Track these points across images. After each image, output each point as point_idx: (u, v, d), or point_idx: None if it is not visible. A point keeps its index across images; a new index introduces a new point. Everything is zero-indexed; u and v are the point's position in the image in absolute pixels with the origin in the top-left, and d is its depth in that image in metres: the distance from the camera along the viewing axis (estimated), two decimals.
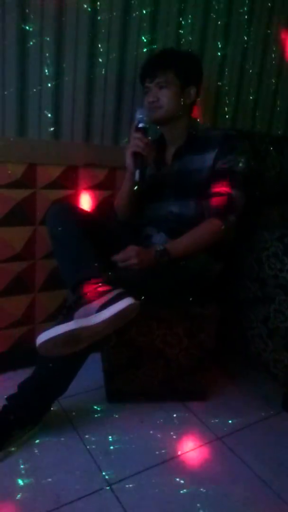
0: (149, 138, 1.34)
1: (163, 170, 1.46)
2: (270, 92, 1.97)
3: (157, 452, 1.25)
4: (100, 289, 1.10)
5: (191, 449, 1.28)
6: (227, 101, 1.84)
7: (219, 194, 1.34)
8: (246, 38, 1.79)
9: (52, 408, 1.29)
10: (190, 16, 1.62)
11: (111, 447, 1.25)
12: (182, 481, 1.15)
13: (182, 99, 1.38)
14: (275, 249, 1.41)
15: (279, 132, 2.06)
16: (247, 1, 1.74)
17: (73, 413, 1.38)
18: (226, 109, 1.85)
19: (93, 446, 1.25)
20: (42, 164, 1.47)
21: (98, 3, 1.42)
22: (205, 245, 1.34)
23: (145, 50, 1.55)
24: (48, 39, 1.37)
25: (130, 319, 1.12)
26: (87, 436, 1.29)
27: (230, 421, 1.41)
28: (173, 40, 1.61)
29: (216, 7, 1.67)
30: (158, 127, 1.50)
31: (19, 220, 1.48)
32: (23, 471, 1.14)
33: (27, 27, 1.32)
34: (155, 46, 1.57)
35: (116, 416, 1.39)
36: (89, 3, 1.41)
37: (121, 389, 1.44)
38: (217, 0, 1.66)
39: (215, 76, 1.77)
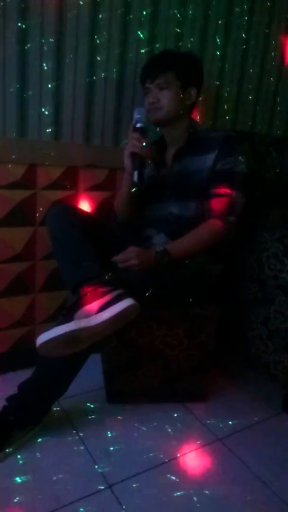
0: (147, 138, 1.33)
1: (163, 171, 1.46)
2: (270, 93, 1.97)
3: (157, 453, 1.25)
4: (100, 290, 1.10)
5: (191, 450, 1.27)
6: (227, 102, 1.84)
7: (219, 195, 1.34)
8: (245, 38, 1.79)
9: (52, 409, 1.29)
10: (190, 17, 1.62)
11: (111, 448, 1.25)
12: (182, 482, 1.15)
13: (182, 100, 1.38)
14: (275, 250, 1.41)
15: (278, 132, 2.06)
16: (247, 1, 1.74)
17: (73, 414, 1.38)
18: (226, 110, 1.85)
19: (93, 447, 1.25)
20: (42, 164, 1.47)
21: (99, 3, 1.42)
22: (205, 246, 1.34)
23: (145, 51, 1.56)
24: (48, 39, 1.37)
25: (130, 320, 1.12)
26: (87, 437, 1.29)
27: (230, 422, 1.41)
28: (173, 41, 1.61)
29: (216, 7, 1.67)
30: (158, 129, 1.51)
31: (19, 221, 1.48)
32: (23, 472, 1.14)
33: (27, 28, 1.32)
34: (157, 45, 1.57)
35: (116, 417, 1.39)
36: (90, 3, 1.41)
37: (121, 390, 1.44)
38: (217, 0, 1.66)
39: (215, 76, 1.77)
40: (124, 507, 1.06)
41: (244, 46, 1.80)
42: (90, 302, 1.08)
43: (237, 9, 1.72)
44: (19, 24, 1.31)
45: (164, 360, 1.42)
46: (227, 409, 1.48)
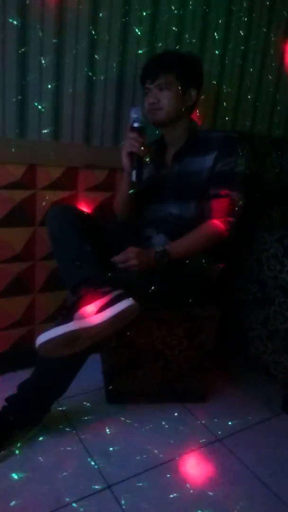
0: (145, 137, 1.33)
1: (163, 172, 1.46)
2: (270, 93, 1.97)
3: (156, 453, 1.25)
4: (99, 290, 1.10)
5: (191, 451, 1.27)
6: (227, 103, 1.84)
7: (219, 196, 1.34)
8: (245, 38, 1.80)
9: (52, 409, 1.29)
10: (190, 17, 1.62)
11: (111, 448, 1.25)
12: (181, 482, 1.15)
13: (182, 101, 1.38)
14: (274, 250, 1.41)
15: (277, 132, 2.06)
16: (246, 1, 1.74)
17: (73, 414, 1.38)
18: (225, 110, 1.85)
19: (93, 447, 1.25)
20: (42, 165, 1.47)
21: (99, 3, 1.42)
22: (205, 247, 1.34)
23: (145, 51, 1.56)
24: (48, 39, 1.37)
25: (130, 320, 1.12)
26: (86, 437, 1.29)
27: (229, 423, 1.41)
28: (173, 41, 1.61)
29: (216, 7, 1.67)
30: (157, 132, 1.51)
31: (19, 221, 1.48)
32: (22, 472, 1.14)
33: (27, 28, 1.33)
34: (157, 45, 1.57)
35: (116, 417, 1.39)
36: (89, 4, 1.41)
37: (120, 390, 1.44)
38: (217, 0, 1.66)
39: (215, 77, 1.77)
40: (123, 507, 1.06)
41: (244, 47, 1.80)
42: (89, 303, 1.08)
43: (236, 9, 1.72)
44: (19, 24, 1.31)
45: (163, 361, 1.42)
46: (227, 410, 1.48)
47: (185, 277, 1.33)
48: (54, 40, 1.38)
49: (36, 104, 1.40)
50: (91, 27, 1.43)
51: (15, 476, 1.12)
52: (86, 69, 1.46)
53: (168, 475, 1.17)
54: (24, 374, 1.26)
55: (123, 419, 1.38)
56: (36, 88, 1.39)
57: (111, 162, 1.57)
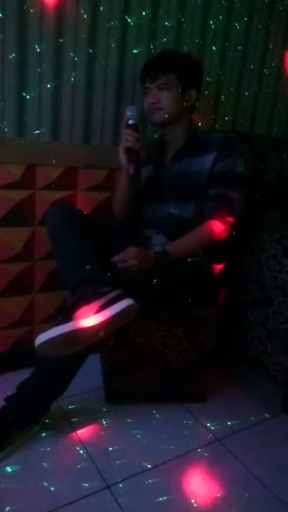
0: (140, 134, 1.34)
1: (163, 172, 1.46)
2: (270, 94, 1.97)
3: (155, 454, 1.25)
4: (99, 290, 1.10)
5: (190, 451, 1.27)
6: (227, 103, 1.84)
7: (218, 196, 1.34)
8: (245, 38, 1.80)
9: (51, 409, 1.28)
10: (189, 17, 1.62)
11: (110, 448, 1.25)
12: (181, 483, 1.15)
13: (182, 101, 1.38)
14: (274, 250, 1.41)
15: (274, 130, 2.06)
16: (246, 1, 1.75)
17: (72, 414, 1.38)
18: (225, 111, 1.85)
19: (92, 447, 1.25)
20: (41, 164, 1.47)
21: (98, 4, 1.42)
22: (204, 247, 1.34)
23: (144, 51, 1.56)
24: (47, 40, 1.37)
25: (129, 320, 1.12)
26: (86, 437, 1.29)
27: (229, 423, 1.41)
28: (173, 41, 1.61)
29: (216, 8, 1.67)
30: (156, 134, 1.51)
31: (19, 221, 1.48)
32: (21, 472, 1.14)
33: (27, 28, 1.33)
34: (157, 46, 1.57)
35: (115, 417, 1.39)
36: (89, 4, 1.41)
37: (120, 390, 1.44)
38: (216, 1, 1.66)
39: (214, 77, 1.77)
40: (122, 507, 1.06)
41: (243, 47, 1.81)
42: (89, 303, 1.08)
43: (236, 8, 1.73)
44: (19, 25, 1.31)
45: (163, 361, 1.42)
46: (226, 410, 1.48)
47: (184, 277, 1.33)
48: (53, 40, 1.38)
49: (35, 104, 1.40)
50: (90, 27, 1.43)
51: (14, 476, 1.12)
52: (85, 69, 1.46)
53: (167, 475, 1.17)
54: (23, 374, 1.26)
55: (122, 419, 1.38)
56: (36, 88, 1.39)
57: (111, 162, 1.57)
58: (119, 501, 1.08)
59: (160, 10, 1.55)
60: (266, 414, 1.47)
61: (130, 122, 1.34)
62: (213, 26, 1.69)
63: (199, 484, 1.15)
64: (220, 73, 1.78)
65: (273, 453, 1.29)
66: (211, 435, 1.35)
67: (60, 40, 1.39)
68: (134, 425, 1.36)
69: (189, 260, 1.33)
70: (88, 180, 1.59)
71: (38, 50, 1.36)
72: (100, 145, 1.58)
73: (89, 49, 1.45)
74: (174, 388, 1.47)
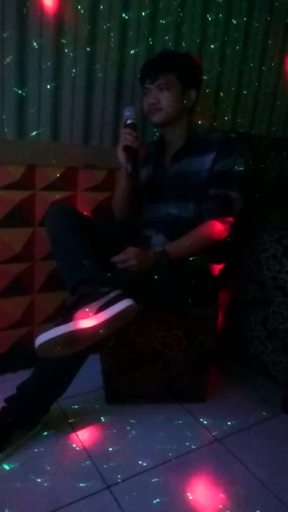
0: (138, 132, 1.35)
1: (162, 172, 1.47)
2: (269, 93, 1.97)
3: (155, 454, 1.25)
4: (99, 290, 1.10)
5: (189, 451, 1.27)
6: (226, 103, 1.84)
7: (218, 196, 1.34)
8: (244, 38, 1.80)
9: (51, 409, 1.28)
10: (189, 17, 1.62)
11: (110, 449, 1.25)
12: (181, 483, 1.15)
13: (182, 102, 1.38)
14: (274, 250, 1.41)
15: (273, 128, 2.06)
16: (246, 1, 1.75)
17: (72, 414, 1.38)
18: (225, 111, 1.85)
19: (92, 448, 1.25)
20: (41, 165, 1.47)
21: (97, 4, 1.42)
22: (204, 247, 1.34)
23: (144, 51, 1.56)
24: (47, 40, 1.37)
25: (129, 321, 1.12)
26: (86, 438, 1.29)
27: (229, 423, 1.41)
28: (173, 41, 1.61)
29: (215, 8, 1.67)
30: (156, 136, 1.51)
31: (18, 221, 1.48)
32: (22, 473, 1.14)
33: (26, 28, 1.33)
34: (156, 46, 1.57)
35: (115, 417, 1.39)
36: (88, 4, 1.41)
37: (120, 390, 1.44)
38: (216, 1, 1.66)
39: (214, 77, 1.77)
40: (122, 508, 1.06)
41: (243, 47, 1.81)
42: (89, 303, 1.08)
43: (235, 8, 1.73)
44: (19, 25, 1.31)
45: (163, 361, 1.42)
46: (226, 410, 1.48)
47: (184, 277, 1.33)
48: (53, 41, 1.38)
49: (35, 104, 1.40)
50: (89, 28, 1.43)
51: (14, 477, 1.12)
52: (85, 69, 1.46)
53: (167, 476, 1.17)
54: (23, 375, 1.26)
55: (122, 419, 1.38)
56: (36, 89, 1.39)
57: (110, 162, 1.57)
58: (119, 501, 1.08)
59: (159, 9, 1.54)
60: (266, 414, 1.47)
61: (129, 121, 1.35)
62: (212, 26, 1.69)
63: (199, 484, 1.15)
64: (220, 73, 1.78)
65: (273, 453, 1.30)
66: (211, 435, 1.35)
67: (62, 41, 1.39)
68: (134, 425, 1.36)
69: (189, 260, 1.33)
70: (88, 180, 1.59)
71: (38, 50, 1.36)
72: (100, 145, 1.58)
73: (89, 49, 1.45)
74: (174, 388, 1.47)
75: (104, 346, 1.35)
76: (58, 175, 1.51)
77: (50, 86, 1.41)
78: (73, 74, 1.45)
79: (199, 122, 1.77)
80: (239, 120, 1.91)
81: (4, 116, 1.37)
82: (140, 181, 1.49)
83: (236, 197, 1.35)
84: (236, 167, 1.35)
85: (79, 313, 1.07)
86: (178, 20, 1.60)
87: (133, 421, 1.37)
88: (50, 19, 1.35)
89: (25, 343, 1.60)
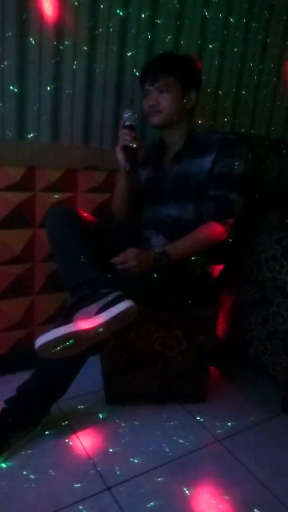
0: (136, 133, 1.36)
1: (162, 174, 1.47)
2: (269, 94, 1.97)
3: (156, 455, 1.25)
4: (99, 291, 1.10)
5: (190, 452, 1.27)
6: (226, 104, 1.85)
7: (218, 197, 1.35)
8: (244, 39, 1.80)
9: (51, 411, 1.28)
10: (188, 18, 1.63)
11: (110, 450, 1.25)
12: (181, 484, 1.15)
13: (182, 103, 1.38)
14: (273, 251, 1.41)
15: (272, 128, 2.07)
16: (246, 1, 1.75)
17: (72, 415, 1.38)
18: (224, 112, 1.86)
19: (92, 449, 1.25)
20: (41, 166, 1.47)
21: (97, 4, 1.43)
22: (204, 248, 1.35)
23: (144, 52, 1.56)
24: (47, 41, 1.37)
25: (129, 322, 1.12)
26: (86, 439, 1.29)
27: (229, 424, 1.41)
28: (172, 42, 1.62)
29: (215, 9, 1.68)
30: (156, 133, 1.51)
31: (18, 223, 1.48)
32: (22, 474, 1.14)
33: (26, 29, 1.33)
34: (156, 47, 1.57)
35: (115, 418, 1.39)
36: (88, 6, 1.41)
37: (120, 391, 1.44)
38: (216, 2, 1.67)
39: (214, 78, 1.78)
40: (123, 509, 1.06)
41: (243, 47, 1.81)
42: (89, 304, 1.08)
43: (235, 9, 1.73)
44: (19, 27, 1.31)
45: (163, 362, 1.42)
46: (226, 410, 1.48)
47: (184, 278, 1.33)
48: (53, 42, 1.38)
49: (35, 106, 1.41)
50: (89, 29, 1.43)
51: (14, 478, 1.12)
52: (84, 70, 1.47)
53: (167, 477, 1.17)
54: (23, 376, 1.26)
55: (122, 420, 1.38)
56: (36, 90, 1.39)
57: (110, 163, 1.57)
58: (120, 502, 1.08)
59: (159, 10, 1.55)
60: (266, 415, 1.47)
61: (127, 123, 1.36)
62: (212, 27, 1.69)
63: (199, 485, 1.15)
64: (220, 73, 1.78)
65: (273, 454, 1.30)
66: (211, 435, 1.35)
67: (59, 42, 1.39)
68: (134, 426, 1.36)
69: (188, 261, 1.33)
70: (87, 181, 1.59)
71: (38, 50, 1.36)
72: (100, 147, 1.58)
73: (88, 50, 1.45)
74: (174, 389, 1.47)
75: (104, 347, 1.35)
76: (58, 177, 1.51)
77: (50, 88, 1.42)
78: (73, 75, 1.45)
79: (199, 121, 1.77)
80: (239, 120, 1.91)
81: (4, 117, 1.37)
82: (140, 182, 1.50)
83: (236, 198, 1.35)
84: (235, 168, 1.35)
85: (79, 314, 1.07)
86: (178, 21, 1.60)
87: (133, 422, 1.37)
88: (50, 20, 1.36)
89: (25, 344, 1.60)
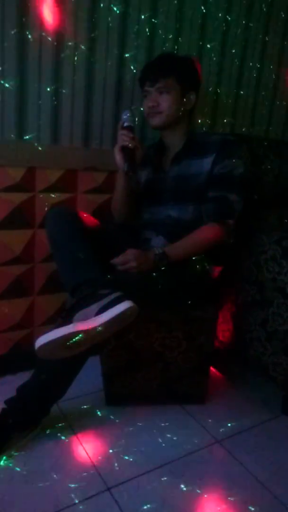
0: (135, 134, 1.36)
1: (162, 175, 1.47)
2: (268, 95, 1.98)
3: (156, 455, 1.25)
4: (99, 292, 1.10)
5: (190, 452, 1.27)
6: (225, 105, 1.85)
7: (217, 198, 1.35)
8: (244, 39, 1.80)
9: (51, 411, 1.28)
10: (188, 19, 1.63)
11: (110, 451, 1.25)
12: (181, 484, 1.15)
13: (182, 105, 1.38)
14: (273, 252, 1.41)
15: (271, 128, 2.06)
16: (245, 2, 1.75)
17: (72, 416, 1.38)
18: (224, 113, 1.86)
19: (92, 449, 1.25)
20: (41, 167, 1.47)
21: (97, 3, 1.43)
22: (204, 249, 1.35)
23: (144, 53, 1.56)
24: (47, 43, 1.37)
25: (129, 322, 1.12)
26: (85, 439, 1.29)
27: (229, 424, 1.41)
28: (172, 43, 1.62)
29: (214, 8, 1.68)
30: (155, 135, 1.51)
31: (18, 224, 1.49)
32: (22, 475, 1.14)
33: (27, 32, 1.33)
34: (156, 48, 1.58)
35: (115, 419, 1.39)
36: (88, 6, 1.41)
37: (120, 392, 1.44)
38: (215, 2, 1.67)
39: (213, 79, 1.78)
40: (123, 509, 1.06)
41: (242, 48, 1.81)
42: (89, 305, 1.08)
43: (235, 9, 1.73)
44: (19, 28, 1.31)
45: (163, 362, 1.42)
46: (226, 411, 1.48)
47: (184, 279, 1.33)
48: (53, 44, 1.38)
49: (35, 107, 1.41)
50: (89, 30, 1.44)
51: (14, 478, 1.12)
52: (84, 72, 1.47)
53: (167, 477, 1.17)
54: (23, 377, 1.26)
55: (122, 421, 1.38)
56: (35, 91, 1.40)
57: (110, 164, 1.56)
58: (120, 503, 1.08)
59: (159, 11, 1.55)
60: (266, 416, 1.47)
61: (126, 124, 1.37)
62: (212, 27, 1.69)
63: (199, 485, 1.15)
64: (219, 74, 1.78)
65: (273, 455, 1.30)
66: (211, 436, 1.35)
67: (59, 43, 1.39)
68: (134, 427, 1.36)
69: (188, 261, 1.34)
70: (87, 182, 1.59)
71: (38, 51, 1.36)
72: (100, 148, 1.58)
73: (88, 51, 1.45)
74: (174, 390, 1.47)
75: (104, 348, 1.35)
76: (58, 177, 1.51)
77: (50, 89, 1.42)
78: (73, 75, 1.45)
79: (199, 121, 1.77)
80: (238, 121, 1.91)
81: (4, 118, 1.37)
82: (139, 183, 1.50)
83: (235, 199, 1.35)
84: (235, 169, 1.36)
85: (79, 315, 1.07)
86: (177, 22, 1.60)
87: (133, 423, 1.37)
88: (50, 20, 1.36)
89: (25, 345, 1.60)
